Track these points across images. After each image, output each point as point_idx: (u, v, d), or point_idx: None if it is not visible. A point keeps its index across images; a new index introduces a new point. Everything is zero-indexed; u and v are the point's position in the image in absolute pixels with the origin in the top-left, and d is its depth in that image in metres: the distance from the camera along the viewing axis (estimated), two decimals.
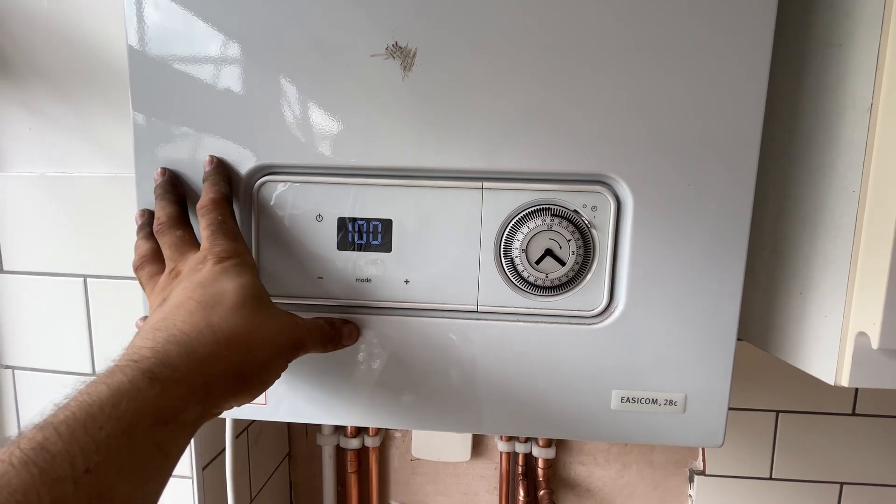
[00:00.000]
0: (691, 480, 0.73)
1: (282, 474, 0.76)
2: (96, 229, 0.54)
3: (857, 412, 0.67)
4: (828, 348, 0.34)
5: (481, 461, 0.76)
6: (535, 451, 0.72)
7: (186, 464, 0.55)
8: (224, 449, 0.58)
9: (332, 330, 0.36)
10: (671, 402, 0.36)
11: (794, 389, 0.66)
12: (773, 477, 0.69)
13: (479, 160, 0.35)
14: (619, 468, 0.76)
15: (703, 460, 0.71)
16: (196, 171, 0.37)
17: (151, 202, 0.37)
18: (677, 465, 0.74)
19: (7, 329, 0.57)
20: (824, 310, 0.34)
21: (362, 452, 0.75)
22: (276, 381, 0.32)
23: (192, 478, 0.55)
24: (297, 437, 0.78)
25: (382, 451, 0.76)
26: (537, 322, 0.37)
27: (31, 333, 0.57)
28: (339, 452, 0.75)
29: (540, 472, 0.73)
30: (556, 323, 0.37)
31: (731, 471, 0.70)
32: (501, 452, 0.74)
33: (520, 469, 0.74)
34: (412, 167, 0.36)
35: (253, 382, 0.30)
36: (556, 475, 0.76)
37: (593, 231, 0.36)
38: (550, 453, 0.72)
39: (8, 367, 0.58)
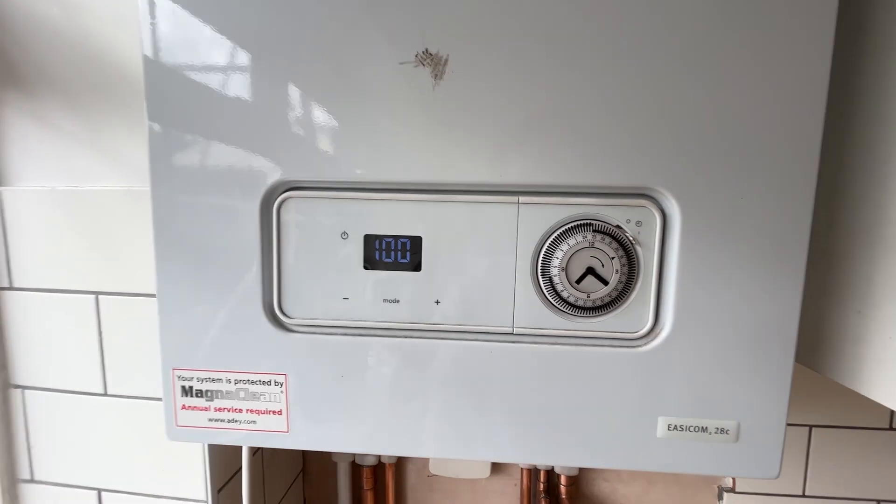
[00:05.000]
0: (720, 498, 0.70)
1: (296, 491, 0.74)
2: (109, 245, 0.52)
3: (894, 426, 0.64)
4: (892, 373, 0.31)
5: (501, 478, 0.74)
6: (558, 468, 0.70)
7: (200, 487, 0.53)
8: (238, 469, 0.57)
9: None
10: (722, 431, 0.34)
11: (828, 403, 0.64)
12: (806, 494, 0.66)
13: (514, 173, 0.33)
14: (644, 485, 0.73)
15: (733, 477, 0.68)
16: (212, 188, 0.35)
17: (167, 217, 0.36)
18: (706, 482, 0.71)
19: (17, 347, 0.56)
20: (888, 331, 0.32)
21: (378, 469, 0.73)
22: (297, 409, 0.29)
23: (206, 501, 0.53)
24: (312, 453, 0.76)
25: (399, 467, 0.74)
26: (577, 345, 0.35)
27: (41, 352, 0.56)
28: (355, 469, 0.73)
29: (562, 489, 0.71)
30: (598, 346, 0.35)
31: (762, 488, 0.67)
32: (522, 469, 0.72)
33: (541, 486, 0.72)
34: (443, 181, 0.34)
35: None
36: (579, 492, 0.73)
37: (637, 248, 0.34)
38: (573, 470, 0.70)
39: (17, 386, 0.57)
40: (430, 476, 0.75)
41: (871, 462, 0.64)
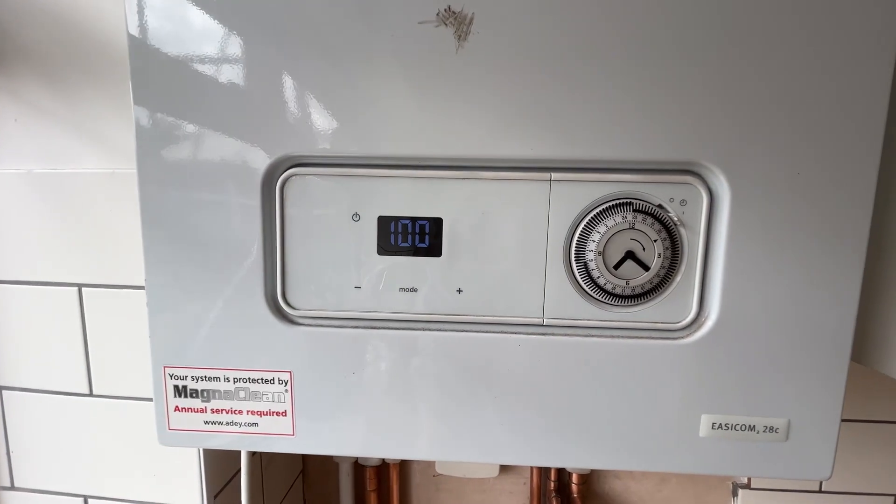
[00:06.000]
0: (735, 494, 0.69)
1: (295, 494, 0.71)
2: (92, 232, 0.50)
3: None
4: None
5: (510, 476, 0.72)
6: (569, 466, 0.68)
7: (195, 492, 0.50)
8: (236, 472, 0.54)
9: None
10: (771, 429, 0.31)
11: (847, 395, 0.62)
12: (823, 490, 0.65)
13: (546, 147, 0.31)
14: (657, 482, 0.71)
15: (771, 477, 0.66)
16: (206, 168, 0.32)
17: (155, 202, 0.32)
18: (719, 478, 0.70)
19: None
20: None
21: (382, 469, 0.71)
22: (303, 409, 0.26)
23: None
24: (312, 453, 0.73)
25: (403, 467, 0.72)
26: (614, 337, 0.33)
27: (20, 350, 0.53)
28: (357, 469, 0.71)
29: (573, 487, 0.69)
30: (636, 338, 0.33)
31: (777, 483, 0.66)
32: (532, 467, 0.70)
33: (552, 485, 0.70)
34: (467, 156, 0.31)
35: None
36: (591, 490, 0.71)
37: (681, 230, 0.31)
38: (584, 468, 0.68)
39: None
40: (436, 475, 0.72)
41: (892, 456, 0.62)
